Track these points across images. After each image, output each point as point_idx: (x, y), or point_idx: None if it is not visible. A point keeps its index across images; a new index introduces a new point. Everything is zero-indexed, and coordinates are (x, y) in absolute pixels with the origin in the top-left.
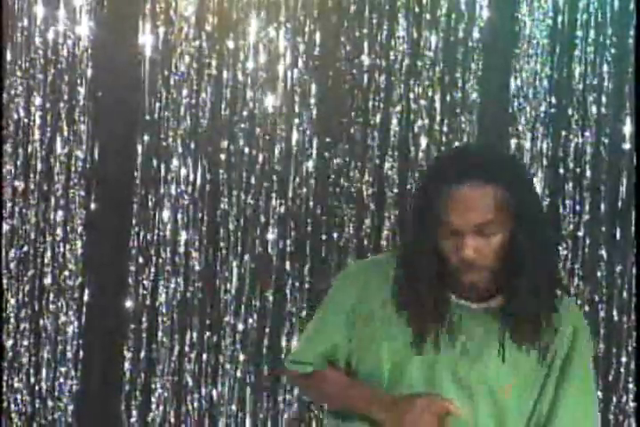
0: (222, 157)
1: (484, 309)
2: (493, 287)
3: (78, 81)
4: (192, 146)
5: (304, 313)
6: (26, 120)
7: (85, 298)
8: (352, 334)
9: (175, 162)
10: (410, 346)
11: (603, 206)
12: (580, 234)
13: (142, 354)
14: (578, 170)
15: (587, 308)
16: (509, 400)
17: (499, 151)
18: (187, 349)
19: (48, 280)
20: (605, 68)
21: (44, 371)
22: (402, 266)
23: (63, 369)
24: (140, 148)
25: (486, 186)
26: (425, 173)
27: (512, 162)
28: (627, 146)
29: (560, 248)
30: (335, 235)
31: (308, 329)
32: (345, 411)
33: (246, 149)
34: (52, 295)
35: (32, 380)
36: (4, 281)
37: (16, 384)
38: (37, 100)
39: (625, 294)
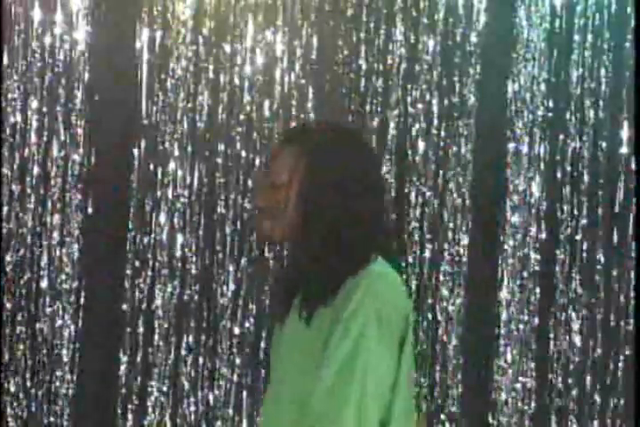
0: (219, 160)
1: None
2: None
3: (75, 84)
4: (189, 149)
5: None
6: (23, 124)
7: (82, 301)
8: None
9: (172, 165)
10: None
11: (600, 210)
12: (578, 238)
13: (139, 358)
14: (575, 174)
15: (584, 311)
16: None
17: None
18: (183, 352)
19: (44, 284)
20: (603, 72)
21: (40, 375)
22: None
23: (59, 373)
24: (136, 151)
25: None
26: None
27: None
28: (624, 150)
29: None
30: None
31: None
32: None
33: (243, 153)
34: (48, 299)
35: (28, 383)
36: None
37: (12, 388)
38: (34, 104)
39: (622, 298)
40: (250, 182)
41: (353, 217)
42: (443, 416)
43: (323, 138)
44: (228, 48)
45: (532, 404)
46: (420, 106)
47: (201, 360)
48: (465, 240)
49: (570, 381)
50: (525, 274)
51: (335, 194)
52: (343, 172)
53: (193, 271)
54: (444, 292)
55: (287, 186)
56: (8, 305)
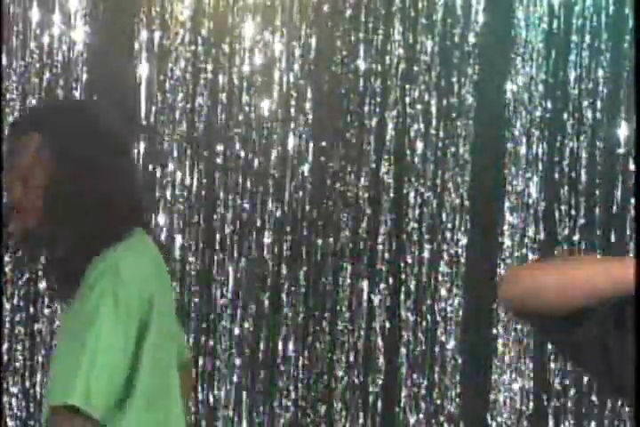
0: (218, 161)
1: None
2: None
3: (73, 85)
4: (188, 150)
5: (300, 317)
6: None
7: None
8: None
9: (171, 166)
10: None
11: (598, 211)
12: (576, 238)
13: None
14: (573, 174)
15: None
16: None
17: None
18: None
19: (43, 284)
20: (601, 72)
21: (38, 375)
22: None
23: None
24: (135, 152)
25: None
26: None
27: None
28: (622, 150)
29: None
30: (331, 239)
31: None
32: None
33: (242, 154)
34: (46, 299)
35: (27, 384)
36: None
37: (11, 388)
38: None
39: None
40: (249, 183)
41: (102, 202)
42: (441, 417)
43: (58, 121)
44: (226, 48)
45: (531, 404)
46: (418, 106)
47: (201, 361)
48: (463, 240)
49: (568, 381)
50: None
51: (83, 182)
52: (89, 155)
53: (192, 272)
54: (443, 292)
55: (33, 179)
56: (7, 305)
